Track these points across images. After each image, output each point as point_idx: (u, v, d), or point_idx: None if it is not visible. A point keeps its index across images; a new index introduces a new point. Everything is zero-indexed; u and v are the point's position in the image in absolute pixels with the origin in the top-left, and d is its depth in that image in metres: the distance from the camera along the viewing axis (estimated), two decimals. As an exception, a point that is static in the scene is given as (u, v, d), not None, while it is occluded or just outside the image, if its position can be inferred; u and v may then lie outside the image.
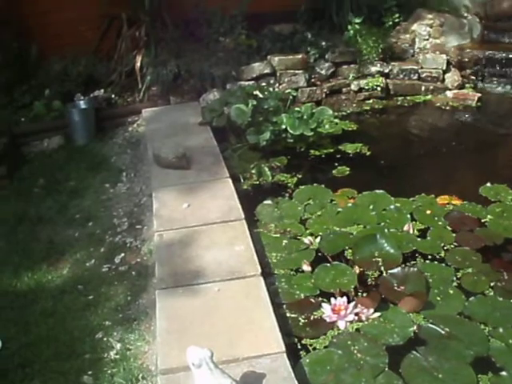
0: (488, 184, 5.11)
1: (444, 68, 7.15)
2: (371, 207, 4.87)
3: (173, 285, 3.78)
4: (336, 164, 5.57)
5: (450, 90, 7.09)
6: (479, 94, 6.87)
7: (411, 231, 4.54)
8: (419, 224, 4.64)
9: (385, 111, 6.85)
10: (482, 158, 5.77)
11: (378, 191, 5.03)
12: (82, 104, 6.41)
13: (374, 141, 6.05)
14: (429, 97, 7.08)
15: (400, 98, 7.07)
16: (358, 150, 5.82)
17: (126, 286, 4.08)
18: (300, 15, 7.41)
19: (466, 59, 7.21)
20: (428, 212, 4.79)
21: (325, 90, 6.96)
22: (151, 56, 6.71)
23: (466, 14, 7.59)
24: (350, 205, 4.92)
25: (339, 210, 4.85)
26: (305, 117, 5.72)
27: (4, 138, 5.88)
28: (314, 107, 5.97)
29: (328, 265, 4.17)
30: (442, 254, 4.25)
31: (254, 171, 5.40)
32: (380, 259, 4.22)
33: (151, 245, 4.45)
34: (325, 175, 5.42)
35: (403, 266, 4.12)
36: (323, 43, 7.09)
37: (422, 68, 7.19)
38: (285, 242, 4.46)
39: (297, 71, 6.93)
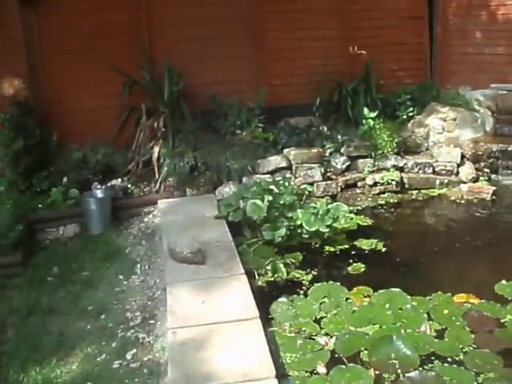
0: (503, 281, 5.19)
1: (458, 161, 7.40)
2: (387, 306, 4.95)
3: (186, 386, 3.84)
4: (351, 261, 5.70)
5: (464, 183, 7.30)
6: (494, 188, 7.07)
7: (428, 332, 4.60)
8: (436, 324, 4.70)
9: (399, 205, 7.04)
10: (496, 254, 5.89)
11: (393, 289, 5.12)
12: (99, 193, 6.67)
13: (390, 236, 6.20)
14: (443, 190, 7.29)
15: (415, 192, 7.29)
16: (373, 247, 5.96)
17: (138, 385, 4.14)
18: (316, 109, 7.74)
19: (480, 152, 7.46)
20: (445, 311, 4.85)
21: (340, 184, 7.20)
22: (169, 147, 7.02)
23: (478, 108, 7.89)
24: (365, 303, 5.00)
25: (355, 308, 4.94)
26: (320, 213, 5.90)
27: (20, 224, 6.07)
28: (330, 203, 6.16)
29: (343, 367, 4.22)
30: (461, 357, 4.26)
31: (269, 267, 5.54)
32: (397, 361, 4.26)
33: (164, 341, 4.53)
34: (340, 272, 5.54)
35: (421, 369, 4.16)
36: (339, 137, 7.40)
37: (436, 161, 7.44)
38: (300, 341, 4.53)
39: (312, 165, 7.20)
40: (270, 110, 7.65)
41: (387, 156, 7.33)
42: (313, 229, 5.82)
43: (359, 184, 7.29)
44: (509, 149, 7.37)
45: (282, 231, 5.80)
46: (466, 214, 6.74)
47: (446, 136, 7.60)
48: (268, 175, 7.09)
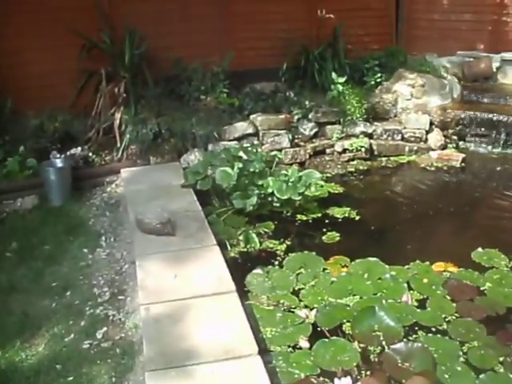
0: (479, 249, 5.07)
1: (427, 128, 7.22)
2: (366, 276, 4.74)
3: (164, 366, 3.52)
4: (325, 230, 5.45)
5: (433, 150, 7.13)
6: (463, 155, 6.93)
7: (410, 302, 4.42)
8: (417, 294, 4.53)
9: (369, 172, 6.82)
10: (469, 221, 5.78)
11: (371, 259, 4.92)
12: (59, 162, 6.20)
13: (362, 204, 5.98)
14: (413, 157, 7.10)
15: (384, 159, 7.07)
16: (346, 215, 5.73)
17: (110, 366, 3.80)
18: (282, 74, 7.40)
19: (448, 119, 7.30)
20: (425, 281, 4.68)
21: (308, 151, 6.92)
22: (131, 114, 6.58)
23: (445, 75, 7.71)
24: (343, 274, 4.78)
25: (333, 279, 4.70)
26: (292, 180, 5.62)
27: (-27, 197, 5.62)
28: (301, 170, 5.86)
29: (326, 340, 4.00)
30: (445, 326, 4.13)
31: (241, 237, 5.24)
32: (380, 333, 4.07)
33: (136, 318, 4.20)
34: (314, 241, 5.29)
35: (406, 340, 3.97)
36: (306, 103, 7.09)
37: (405, 128, 7.23)
38: (279, 315, 4.27)
39: (280, 131, 6.89)
40: (234, 75, 7.26)
41: (356, 122, 7.08)
42: (285, 197, 5.53)
43: (328, 151, 7.03)
44: (477, 116, 7.22)
45: (253, 199, 5.50)
46: (437, 181, 6.57)
47: (415, 102, 7.38)
48: (234, 142, 6.75)
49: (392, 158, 7.08)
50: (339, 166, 6.87)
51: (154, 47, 6.87)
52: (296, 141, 6.94)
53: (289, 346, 3.96)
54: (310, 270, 4.82)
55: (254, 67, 7.44)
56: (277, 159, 6.12)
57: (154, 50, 6.91)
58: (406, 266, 4.84)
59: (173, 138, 6.62)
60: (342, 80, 7.03)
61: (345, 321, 4.20)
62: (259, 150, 6.30)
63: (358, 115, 7.04)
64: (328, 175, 6.68)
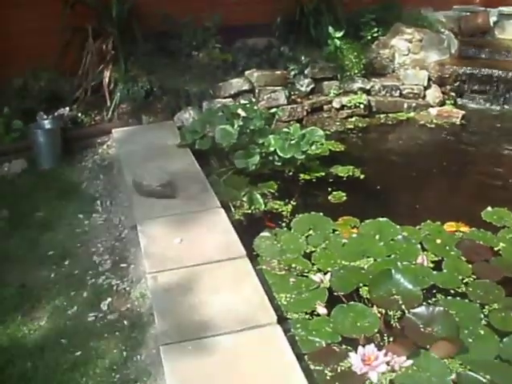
0: (489, 208, 4.86)
1: (425, 84, 6.91)
2: (377, 237, 4.49)
3: (178, 339, 3.24)
4: (330, 189, 5.16)
5: (432, 106, 6.85)
6: (463, 112, 6.65)
7: (426, 263, 4.18)
8: (432, 255, 4.30)
9: (369, 130, 6.51)
10: (475, 179, 5.55)
11: (381, 219, 4.67)
12: (47, 124, 5.75)
13: (365, 162, 5.69)
14: (411, 114, 6.80)
15: (382, 116, 6.77)
16: (350, 174, 5.44)
17: (120, 339, 3.50)
18: (276, 28, 6.98)
19: (447, 75, 7.00)
20: (438, 241, 4.45)
21: (306, 108, 6.57)
22: (121, 71, 6.14)
23: (442, 30, 7.37)
24: (354, 235, 4.51)
25: (344, 241, 4.44)
26: (295, 138, 5.29)
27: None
28: (302, 128, 5.52)
29: (344, 305, 3.76)
30: (463, 289, 3.93)
31: (244, 199, 4.92)
32: (399, 297, 3.84)
33: (142, 288, 3.89)
34: (321, 202, 5.00)
35: (426, 304, 3.75)
36: (302, 58, 6.71)
37: (403, 84, 6.92)
38: (292, 280, 4.01)
39: (276, 88, 6.52)
40: (225, 30, 6.81)
41: (354, 78, 6.74)
42: (287, 156, 5.21)
43: (325, 107, 6.69)
44: (475, 72, 6.93)
45: (256, 158, 5.17)
46: (438, 139, 6.29)
47: (412, 58, 7.06)
48: (230, 99, 6.36)
49: (391, 115, 6.77)
50: (338, 123, 6.54)
51: (141, 2, 6.38)
52: (293, 97, 6.58)
53: (306, 313, 3.71)
54: (319, 232, 4.54)
55: (245, 22, 6.96)
56: (277, 116, 5.77)
57: (142, 5, 6.41)
58: (418, 227, 4.61)
59: (165, 95, 6.20)
60: (339, 34, 6.65)
61: (361, 285, 3.97)
62: (256, 107, 5.93)
63: (356, 71, 6.69)
64: (327, 132, 6.32)
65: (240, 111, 5.51)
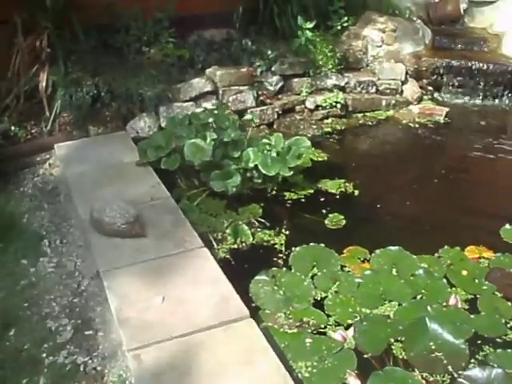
0: (507, 226, 4.18)
1: (403, 79, 6.14)
2: (395, 272, 3.70)
3: None
4: (324, 211, 4.30)
5: (410, 103, 6.09)
6: (447, 109, 5.92)
7: (459, 305, 3.42)
8: (462, 292, 3.56)
9: (349, 133, 5.65)
10: (480, 187, 4.85)
11: (392, 248, 3.88)
12: (-30, 141, 4.55)
13: (354, 174, 4.86)
14: (391, 112, 6.01)
15: (360, 116, 5.92)
16: (342, 189, 4.59)
17: None
18: (236, 19, 5.97)
19: (423, 68, 6.27)
20: (464, 273, 3.73)
21: (277, 110, 5.64)
22: (60, 73, 4.99)
23: (414, 18, 6.61)
24: (368, 272, 3.67)
25: (358, 280, 3.61)
26: (278, 151, 4.37)
27: None
28: (285, 138, 4.59)
29: (381, 372, 2.94)
30: (511, 336, 3.21)
31: (228, 231, 3.97)
32: (441, 354, 3.08)
33: (120, 367, 2.90)
34: (317, 228, 4.13)
35: (475, 362, 3.02)
36: (269, 52, 5.76)
37: (379, 79, 6.11)
38: (308, 341, 3.13)
39: (242, 87, 5.55)
40: (178, 22, 5.76)
41: (327, 74, 5.86)
42: (272, 173, 4.30)
43: (298, 108, 5.78)
44: (454, 64, 6.22)
45: (237, 179, 4.22)
46: (427, 140, 5.53)
47: (386, 50, 6.26)
48: (191, 102, 5.35)
49: (368, 114, 5.94)
50: (314, 127, 5.63)
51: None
52: (261, 98, 5.64)
53: (335, 389, 2.86)
54: (325, 271, 3.67)
55: (201, 12, 5.96)
56: (253, 124, 4.82)
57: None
58: (436, 254, 3.88)
59: (115, 101, 5.10)
60: (310, 25, 5.73)
61: (392, 340, 3.17)
62: (227, 112, 4.96)
63: (330, 66, 5.82)
64: (304, 138, 5.47)
65: (210, 120, 4.53)
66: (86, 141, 4.96)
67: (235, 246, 3.90)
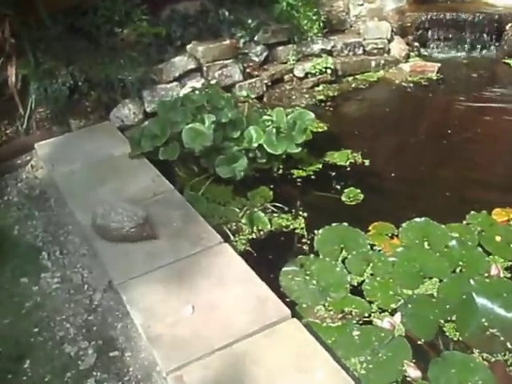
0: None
1: (388, 37, 5.81)
2: (427, 246, 3.43)
3: None
4: (338, 186, 4.01)
5: (399, 61, 5.78)
6: (438, 64, 5.63)
7: (501, 274, 3.17)
8: (500, 260, 3.31)
9: (343, 98, 5.32)
10: (493, 145, 4.61)
11: (418, 220, 3.61)
12: None
13: (359, 142, 4.55)
14: (381, 73, 5.69)
15: (350, 79, 5.59)
16: (351, 160, 4.29)
17: None
18: (210, -13, 5.53)
19: (408, 24, 5.96)
20: (498, 239, 3.48)
21: (265, 81, 5.25)
22: (31, 65, 4.49)
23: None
24: (400, 249, 3.40)
25: (391, 259, 3.33)
26: (282, 127, 4.02)
27: None
28: (289, 112, 4.25)
29: (439, 359, 2.70)
30: None
31: (243, 220, 3.63)
32: (495, 330, 2.83)
33: (158, 390, 2.58)
34: (335, 206, 3.83)
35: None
36: (249, 21, 5.34)
37: (365, 40, 5.77)
38: (356, 334, 2.85)
39: (226, 61, 5.14)
40: (147, -4, 5.30)
41: (312, 39, 5.48)
42: (279, 151, 3.96)
43: (286, 78, 5.40)
44: (438, 17, 5.93)
45: (243, 162, 3.90)
46: (426, 100, 5.23)
47: (368, 8, 5.91)
48: (175, 83, 4.93)
49: (359, 77, 5.61)
50: (306, 96, 5.27)
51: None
52: (248, 70, 5.24)
53: (396, 383, 2.60)
54: (355, 253, 3.39)
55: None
56: (250, 100, 4.45)
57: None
58: (464, 222, 3.62)
59: (94, 90, 4.63)
60: (290, -11, 5.34)
61: (442, 321, 2.91)
62: (218, 88, 4.56)
63: (316, 30, 5.45)
64: (297, 108, 5.07)
65: (205, 101, 4.14)
66: (68, 136, 4.50)
67: (253, 236, 3.57)
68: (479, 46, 5.99)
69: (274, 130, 3.98)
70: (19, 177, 4.30)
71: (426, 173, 4.16)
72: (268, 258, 3.39)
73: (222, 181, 4.00)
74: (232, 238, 3.53)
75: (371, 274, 3.22)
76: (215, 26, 5.35)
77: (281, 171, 4.18)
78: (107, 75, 4.64)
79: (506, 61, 5.85)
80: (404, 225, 3.56)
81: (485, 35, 5.94)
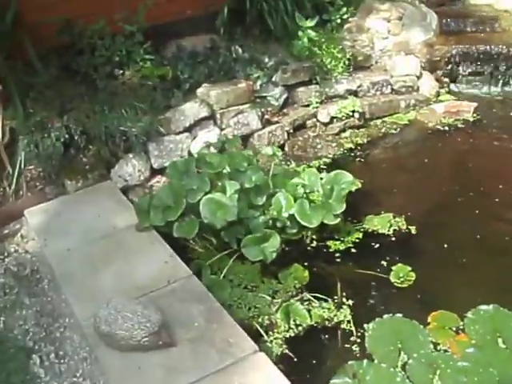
0: None
1: (418, 73, 5.22)
2: (501, 343, 2.81)
3: None
4: (384, 262, 3.38)
5: (430, 100, 5.17)
6: (475, 104, 5.03)
7: None
8: None
9: (374, 146, 4.69)
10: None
11: (485, 308, 2.97)
12: None
13: (400, 202, 3.97)
14: (411, 114, 5.06)
15: (379, 122, 4.96)
16: (395, 227, 3.66)
17: None
18: (221, 22, 4.92)
19: (437, 58, 5.38)
20: None
21: (286, 129, 4.64)
22: (19, 116, 3.86)
23: (417, 2, 5.67)
24: (470, 350, 2.77)
25: (461, 364, 2.69)
26: (316, 193, 3.41)
27: None
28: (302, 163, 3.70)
29: None
30: None
31: (278, 315, 2.99)
32: None
33: None
34: (384, 289, 3.21)
35: None
36: (266, 60, 4.75)
37: (392, 77, 5.15)
38: None
39: (242, 106, 4.53)
40: (151, 33, 4.68)
41: (336, 79, 4.87)
42: (314, 223, 3.33)
43: (309, 123, 4.79)
44: (471, 51, 5.35)
45: (275, 241, 3.26)
46: (466, 146, 4.62)
47: (393, 41, 5.31)
48: (186, 134, 4.32)
49: (388, 120, 4.99)
50: (334, 144, 4.64)
51: (29, 7, 4.05)
52: (267, 116, 4.63)
53: None
54: (416, 356, 2.75)
55: (176, 18, 4.88)
56: (276, 159, 3.82)
57: (28, 12, 4.09)
58: (541, 309, 2.98)
59: (92, 144, 4.01)
60: (311, 23, 4.72)
61: None
62: (238, 144, 3.96)
63: (341, 69, 4.84)
64: (326, 160, 4.48)
65: (225, 165, 3.51)
66: (63, 200, 3.85)
67: (291, 333, 2.93)
68: (513, 80, 5.43)
69: (305, 197, 3.36)
70: (6, 250, 3.63)
71: (485, 243, 3.52)
72: (312, 364, 2.76)
73: (246, 257, 3.36)
74: (265, 336, 2.89)
75: (442, 388, 2.59)
76: (227, 65, 4.74)
77: (314, 243, 3.55)
78: (107, 127, 4.01)
79: (545, 96, 5.30)
80: (469, 314, 2.95)
81: (519, 69, 5.37)
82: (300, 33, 4.76)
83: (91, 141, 4.03)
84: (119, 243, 3.38)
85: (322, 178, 3.55)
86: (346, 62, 4.88)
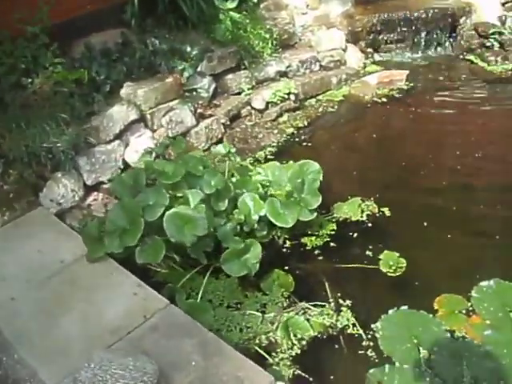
0: None
1: (343, 46, 5.01)
2: (516, 319, 2.65)
3: None
4: (369, 252, 3.15)
5: (359, 72, 5.01)
6: (407, 72, 4.90)
7: None
8: None
9: (316, 127, 4.42)
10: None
11: (486, 284, 2.86)
12: None
13: (364, 185, 3.72)
14: (344, 89, 4.85)
15: (314, 102, 4.72)
16: (367, 212, 3.42)
17: None
18: (131, 12, 4.39)
19: (359, 28, 5.19)
20: None
21: (222, 121, 4.25)
22: None
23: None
24: (488, 332, 2.59)
25: (483, 349, 2.49)
26: (286, 190, 3.08)
27: None
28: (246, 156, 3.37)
29: None
30: None
31: (278, 333, 2.64)
32: None
33: None
34: (378, 282, 2.98)
35: None
36: (188, 49, 4.30)
37: (319, 53, 4.90)
38: None
39: (171, 103, 4.07)
40: (54, 32, 4.08)
41: (265, 61, 4.53)
42: (290, 223, 3.00)
43: (244, 112, 4.42)
44: (390, 18, 5.24)
45: (256, 249, 2.89)
46: (411, 115, 4.46)
47: (313, 15, 5.06)
48: (117, 141, 3.80)
49: (322, 98, 4.75)
50: (275, 131, 4.31)
51: None
52: (200, 110, 4.20)
53: None
54: (436, 349, 2.53)
55: (80, 12, 4.31)
56: (232, 158, 3.41)
57: None
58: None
59: (13, 168, 3.40)
60: (233, 5, 4.34)
61: None
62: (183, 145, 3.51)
63: (270, 50, 4.51)
64: (270, 149, 4.14)
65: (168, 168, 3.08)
66: (-10, 238, 3.25)
67: (296, 351, 2.59)
68: (434, 44, 5.37)
69: (275, 197, 3.02)
70: None
71: (464, 212, 3.38)
72: (330, 381, 2.45)
73: (220, 271, 2.98)
74: (269, 359, 2.54)
75: (473, 380, 2.38)
76: (146, 59, 4.25)
77: (287, 243, 3.23)
78: (28, 145, 3.41)
79: (467, 57, 5.29)
80: (474, 293, 2.77)
81: (439, 32, 5.32)
82: (222, 16, 4.36)
83: (11, 164, 3.42)
84: (73, 281, 2.85)
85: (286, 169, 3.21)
86: (274, 43, 4.56)
